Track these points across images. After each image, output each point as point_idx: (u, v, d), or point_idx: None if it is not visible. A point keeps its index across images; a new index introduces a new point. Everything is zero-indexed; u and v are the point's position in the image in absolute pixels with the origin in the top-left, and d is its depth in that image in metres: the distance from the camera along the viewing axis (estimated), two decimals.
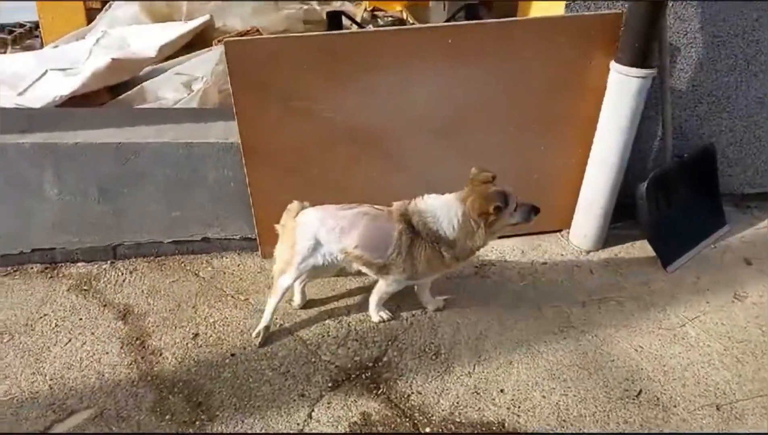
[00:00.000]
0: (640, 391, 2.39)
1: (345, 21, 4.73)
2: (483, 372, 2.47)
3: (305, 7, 4.98)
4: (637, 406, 2.32)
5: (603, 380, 2.44)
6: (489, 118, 2.97)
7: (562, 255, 3.17)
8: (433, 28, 2.77)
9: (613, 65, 2.80)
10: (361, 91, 2.78)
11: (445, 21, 4.66)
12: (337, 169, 2.95)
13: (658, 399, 2.35)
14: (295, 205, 2.61)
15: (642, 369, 2.48)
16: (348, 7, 5.25)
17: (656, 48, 2.83)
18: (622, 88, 2.80)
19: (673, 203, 3.16)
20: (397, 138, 2.93)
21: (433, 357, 2.54)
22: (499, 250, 3.19)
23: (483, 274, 3.03)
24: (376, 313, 2.72)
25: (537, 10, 3.20)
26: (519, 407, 2.33)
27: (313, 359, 2.51)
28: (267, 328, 2.61)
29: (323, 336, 2.63)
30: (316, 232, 2.48)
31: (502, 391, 2.40)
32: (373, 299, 2.70)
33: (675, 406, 2.32)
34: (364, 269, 2.56)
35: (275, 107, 2.76)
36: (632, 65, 2.73)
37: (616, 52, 2.79)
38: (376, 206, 2.52)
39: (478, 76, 2.85)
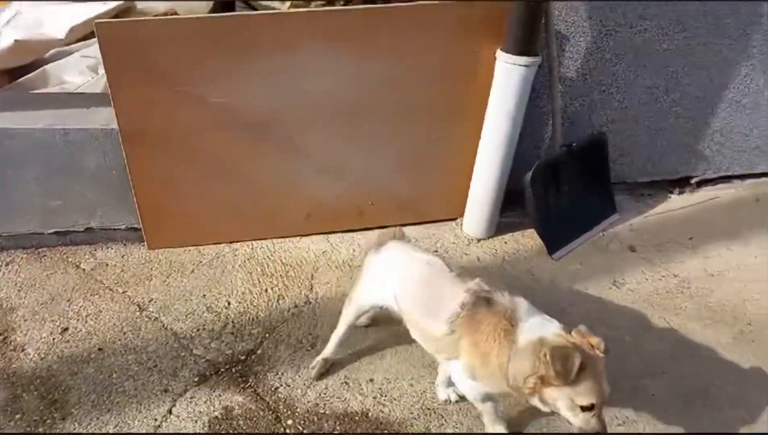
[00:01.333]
0: None
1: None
2: (355, 362, 2.48)
3: None
4: None
5: None
6: (379, 107, 2.94)
7: (453, 243, 3.19)
8: (313, 13, 2.71)
9: (500, 54, 2.79)
10: (251, 76, 2.71)
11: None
12: (230, 157, 2.89)
13: None
14: (389, 231, 2.39)
15: None
16: None
17: (543, 36, 2.84)
18: (507, 76, 2.80)
19: (563, 191, 3.20)
20: (292, 125, 2.88)
21: (309, 348, 2.53)
22: None
23: None
24: (445, 391, 2.32)
25: None
26: (385, 396, 2.34)
27: (183, 353, 2.47)
28: (326, 360, 2.41)
29: (198, 330, 2.59)
30: (382, 269, 2.25)
31: (371, 380, 2.41)
32: (481, 411, 2.17)
33: None
34: (418, 337, 2.17)
35: (158, 92, 2.67)
36: (518, 53, 2.73)
37: (502, 41, 2.79)
38: (451, 269, 2.11)
39: (366, 63, 2.81)
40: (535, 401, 1.83)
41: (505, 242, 3.21)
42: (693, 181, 3.63)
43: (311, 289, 2.84)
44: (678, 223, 3.35)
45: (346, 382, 2.39)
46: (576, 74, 3.12)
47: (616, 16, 3.01)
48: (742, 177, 3.71)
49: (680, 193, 3.59)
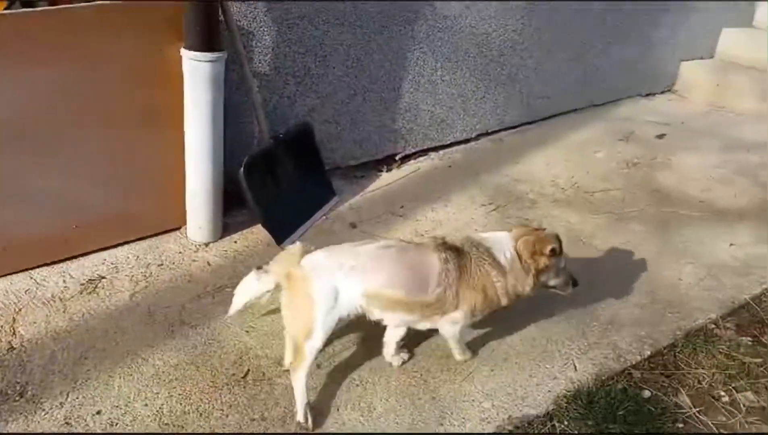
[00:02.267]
0: (248, 371, 2.38)
1: None
2: (78, 398, 2.21)
3: None
4: (243, 387, 2.31)
5: (211, 370, 2.37)
6: (68, 121, 2.68)
7: (180, 253, 3.05)
8: None
9: (184, 52, 2.74)
10: None
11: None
12: None
13: (263, 374, 2.38)
14: (296, 247, 2.23)
15: (251, 349, 2.49)
16: None
17: (226, 32, 2.87)
18: (196, 74, 2.77)
19: (281, 181, 3.27)
20: None
21: (17, 398, 2.19)
22: (111, 260, 2.93)
23: (91, 290, 2.74)
24: (465, 352, 2.44)
25: None
26: (116, 425, 2.13)
27: None
28: (308, 404, 2.16)
29: None
30: (332, 275, 2.10)
31: (98, 412, 2.17)
32: (456, 351, 2.41)
33: (279, 377, 2.36)
34: (399, 318, 2.22)
35: None
36: (200, 50, 2.71)
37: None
38: (401, 239, 2.29)
39: (44, 72, 2.55)
40: (529, 291, 2.29)
41: (235, 242, 3.17)
42: (397, 157, 4.01)
43: (14, 333, 2.47)
44: (390, 196, 3.66)
45: (67, 423, 2.12)
46: (269, 68, 3.22)
47: (296, 10, 3.18)
48: (437, 148, 4.21)
49: (388, 170, 3.93)
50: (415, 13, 3.63)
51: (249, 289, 2.31)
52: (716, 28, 5.68)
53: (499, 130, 4.49)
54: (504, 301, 2.27)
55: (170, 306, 2.69)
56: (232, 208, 3.22)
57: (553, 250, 2.26)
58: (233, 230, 3.23)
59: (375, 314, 2.19)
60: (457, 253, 2.20)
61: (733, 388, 2.46)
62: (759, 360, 2.61)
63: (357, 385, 2.35)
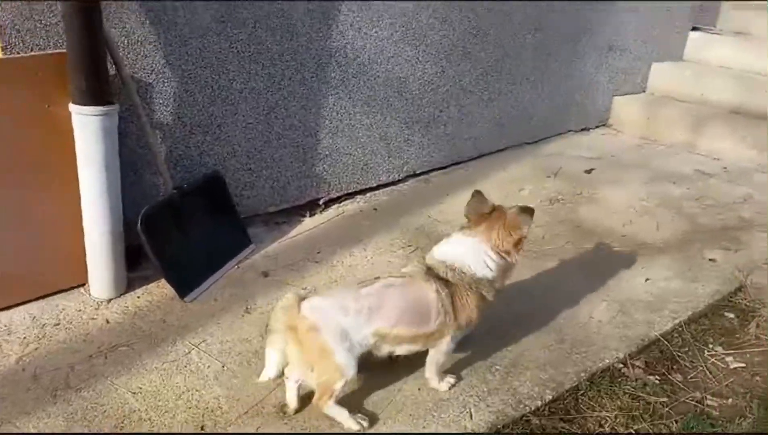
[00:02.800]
0: None
1: None
2: None
3: None
4: None
5: None
6: None
7: (80, 310, 2.94)
8: None
9: (72, 107, 2.69)
10: None
11: None
12: None
13: None
14: (291, 297, 2.23)
15: (135, 411, 2.37)
16: None
17: (118, 84, 2.85)
18: (86, 128, 2.71)
19: (188, 233, 3.21)
20: None
21: None
22: (6, 322, 2.81)
23: None
24: (442, 381, 2.44)
25: None
26: None
27: None
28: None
29: None
30: (339, 320, 2.14)
31: None
32: (432, 369, 2.42)
33: None
34: (405, 349, 2.30)
35: None
36: (88, 104, 2.66)
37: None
38: (392, 275, 2.35)
39: None
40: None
41: (138, 297, 3.07)
42: (320, 202, 3.97)
43: None
44: (309, 241, 3.61)
45: None
46: (172, 119, 3.19)
47: (196, 60, 3.16)
48: (363, 191, 4.18)
49: (311, 215, 3.89)
50: (327, 58, 3.64)
51: (273, 360, 2.35)
52: (647, 62, 5.80)
53: (429, 171, 4.49)
54: (494, 298, 2.40)
55: (59, 368, 2.57)
56: (138, 262, 3.14)
57: (526, 221, 2.33)
58: (138, 285, 3.13)
59: (382, 350, 2.29)
60: (444, 281, 2.27)
61: (635, 430, 2.39)
62: (665, 399, 2.55)
63: None
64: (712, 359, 2.83)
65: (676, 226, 3.85)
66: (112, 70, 2.82)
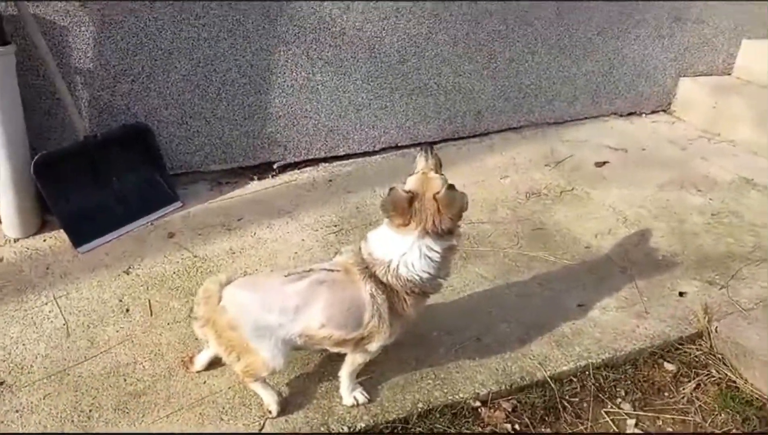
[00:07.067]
0: None
1: None
2: None
3: None
4: None
5: None
6: None
7: None
8: None
9: None
10: None
11: None
12: None
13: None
14: (212, 284, 2.08)
15: None
16: None
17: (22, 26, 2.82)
18: None
19: (102, 184, 3.18)
20: None
21: None
22: None
23: None
24: (350, 394, 2.22)
25: None
26: None
27: None
28: (279, 395, 2.19)
29: None
30: (262, 318, 1.99)
31: None
32: (346, 376, 2.20)
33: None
34: (333, 349, 2.12)
35: None
36: None
37: None
38: (324, 267, 2.08)
39: None
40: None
41: (44, 240, 3.11)
42: (275, 166, 3.75)
43: None
44: (236, 206, 3.43)
45: None
46: (93, 65, 3.12)
47: (113, 4, 3.04)
48: (329, 159, 3.89)
49: (260, 178, 3.69)
50: (278, 11, 3.35)
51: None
52: (734, 38, 4.75)
53: (413, 145, 4.06)
54: (438, 289, 2.19)
55: None
56: None
57: (459, 196, 2.05)
58: (51, 228, 3.17)
59: (313, 348, 2.18)
60: (381, 283, 2.04)
61: None
62: None
63: None
64: (608, 418, 2.28)
65: (661, 245, 3.12)
66: (12, 10, 2.80)
